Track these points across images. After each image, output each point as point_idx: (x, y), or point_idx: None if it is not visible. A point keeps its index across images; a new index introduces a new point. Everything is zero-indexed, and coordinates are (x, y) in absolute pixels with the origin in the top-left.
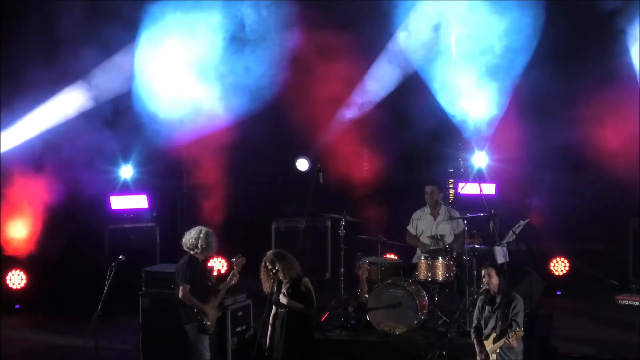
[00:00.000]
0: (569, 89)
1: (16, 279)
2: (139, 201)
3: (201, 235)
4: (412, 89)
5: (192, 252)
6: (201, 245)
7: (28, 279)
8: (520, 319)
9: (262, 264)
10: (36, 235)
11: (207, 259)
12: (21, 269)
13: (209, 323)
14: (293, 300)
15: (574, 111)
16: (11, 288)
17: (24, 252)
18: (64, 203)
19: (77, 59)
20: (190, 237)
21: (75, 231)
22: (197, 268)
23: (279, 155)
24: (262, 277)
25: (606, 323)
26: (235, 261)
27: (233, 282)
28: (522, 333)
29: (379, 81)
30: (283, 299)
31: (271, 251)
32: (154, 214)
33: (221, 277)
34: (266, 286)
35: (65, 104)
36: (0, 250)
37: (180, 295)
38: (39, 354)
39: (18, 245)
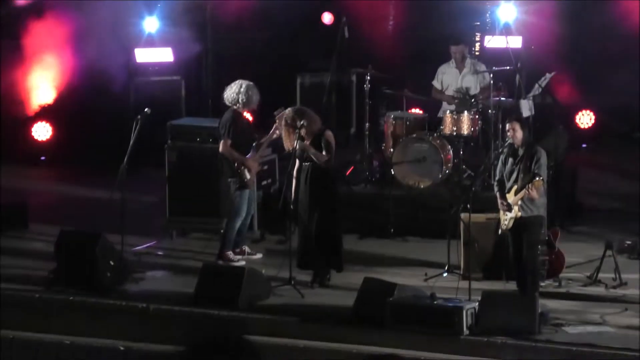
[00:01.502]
0: None
1: (42, 131)
2: (164, 54)
3: (242, 89)
4: None
5: (234, 107)
6: (242, 100)
7: (54, 130)
8: (542, 171)
9: (283, 122)
10: (61, 86)
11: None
12: (47, 121)
13: (249, 177)
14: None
15: None
16: (37, 140)
17: (49, 103)
18: (88, 55)
19: None
20: (231, 92)
21: (100, 83)
22: (240, 122)
23: (304, 9)
24: (283, 135)
25: (631, 176)
26: (277, 114)
27: (275, 135)
28: (542, 183)
29: None
30: (301, 144)
31: (290, 108)
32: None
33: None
34: (287, 144)
35: None
36: (23, 103)
37: (221, 149)
38: (64, 206)
39: (43, 96)
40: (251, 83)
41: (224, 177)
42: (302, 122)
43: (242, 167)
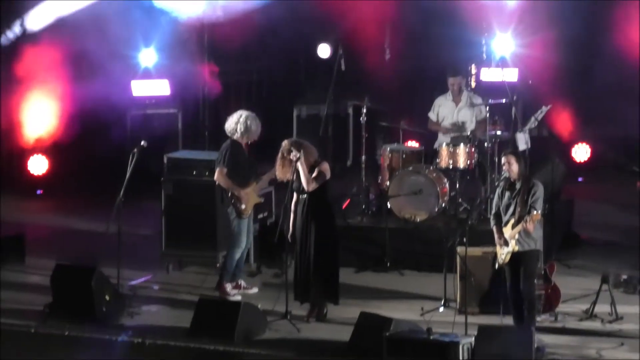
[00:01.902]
0: None
1: (38, 164)
2: (161, 87)
3: (241, 119)
4: None
5: (233, 137)
6: (240, 130)
7: (50, 163)
8: (539, 205)
9: (280, 154)
10: (57, 119)
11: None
12: (43, 154)
13: (243, 207)
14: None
15: None
16: (33, 174)
17: (46, 136)
18: (85, 88)
19: None
20: (231, 122)
21: (96, 117)
22: (238, 152)
23: (300, 41)
24: (277, 167)
25: (628, 209)
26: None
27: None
28: (539, 216)
29: None
30: (295, 157)
31: (287, 140)
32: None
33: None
34: (281, 176)
35: None
36: (18, 136)
37: (215, 177)
38: (61, 239)
39: (38, 129)
40: (252, 114)
41: (224, 206)
42: (298, 154)
43: (236, 197)
